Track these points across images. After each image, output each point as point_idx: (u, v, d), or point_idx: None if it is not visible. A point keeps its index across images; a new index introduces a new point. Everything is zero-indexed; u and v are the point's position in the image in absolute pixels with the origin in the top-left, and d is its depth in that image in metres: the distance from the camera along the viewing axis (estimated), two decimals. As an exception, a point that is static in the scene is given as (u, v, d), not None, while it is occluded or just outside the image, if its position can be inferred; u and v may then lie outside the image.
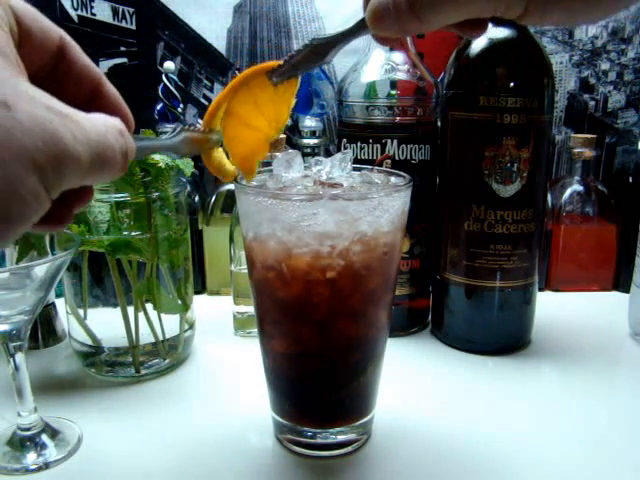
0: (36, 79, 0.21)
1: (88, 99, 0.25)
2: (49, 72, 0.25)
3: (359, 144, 0.59)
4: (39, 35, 0.24)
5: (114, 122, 0.24)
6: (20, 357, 0.42)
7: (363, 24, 0.31)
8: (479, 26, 0.31)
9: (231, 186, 0.40)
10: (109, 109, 0.25)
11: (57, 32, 0.25)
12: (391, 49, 0.59)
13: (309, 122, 0.73)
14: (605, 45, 0.84)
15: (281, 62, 0.35)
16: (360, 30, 0.32)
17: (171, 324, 0.55)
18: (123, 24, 0.84)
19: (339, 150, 0.61)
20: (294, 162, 0.41)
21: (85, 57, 0.26)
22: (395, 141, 0.58)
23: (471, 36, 0.32)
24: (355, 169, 0.43)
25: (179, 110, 0.75)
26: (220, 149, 0.38)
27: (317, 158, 0.44)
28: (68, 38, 0.25)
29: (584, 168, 0.76)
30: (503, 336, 0.60)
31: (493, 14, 0.27)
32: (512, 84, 0.54)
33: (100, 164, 0.23)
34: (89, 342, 0.54)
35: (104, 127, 0.23)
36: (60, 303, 0.61)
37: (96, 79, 0.26)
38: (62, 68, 0.25)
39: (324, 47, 0.34)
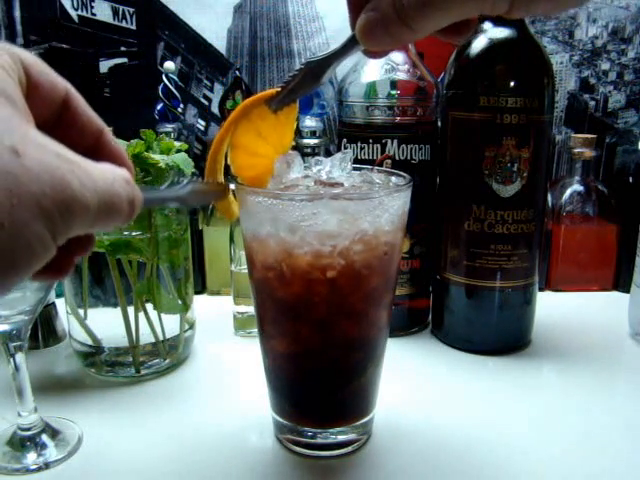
0: (42, 130, 0.22)
1: (91, 150, 0.25)
2: (54, 123, 0.25)
3: (359, 144, 0.59)
4: (46, 87, 0.24)
5: (121, 171, 0.24)
6: (20, 357, 0.42)
7: (354, 41, 0.31)
8: (464, 30, 0.31)
9: (231, 186, 0.40)
10: (112, 160, 0.25)
11: (63, 85, 0.25)
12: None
13: (309, 122, 0.73)
14: (605, 45, 0.84)
15: (278, 89, 0.36)
16: (352, 47, 0.32)
17: (171, 324, 0.55)
18: (123, 24, 0.84)
19: (339, 150, 0.61)
20: (294, 163, 0.41)
21: (89, 109, 0.26)
22: (395, 141, 0.58)
23: (456, 41, 0.32)
24: (355, 169, 0.43)
25: (179, 110, 0.76)
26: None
27: (317, 158, 0.44)
28: (73, 90, 0.26)
29: (584, 168, 0.76)
30: (503, 336, 0.60)
31: (481, 12, 0.27)
32: (512, 84, 0.54)
33: (107, 211, 0.23)
34: (89, 342, 0.55)
35: (111, 175, 0.23)
36: (60, 303, 0.61)
37: (99, 130, 0.27)
38: (66, 119, 0.26)
39: (319, 68, 0.34)
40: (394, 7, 0.27)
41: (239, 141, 0.38)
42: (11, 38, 0.82)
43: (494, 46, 0.55)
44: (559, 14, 0.82)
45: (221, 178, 0.40)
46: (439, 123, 0.60)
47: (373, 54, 0.33)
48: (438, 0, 0.26)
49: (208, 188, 0.35)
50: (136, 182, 0.26)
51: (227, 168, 0.40)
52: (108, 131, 0.27)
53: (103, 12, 0.83)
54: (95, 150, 0.26)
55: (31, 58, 0.23)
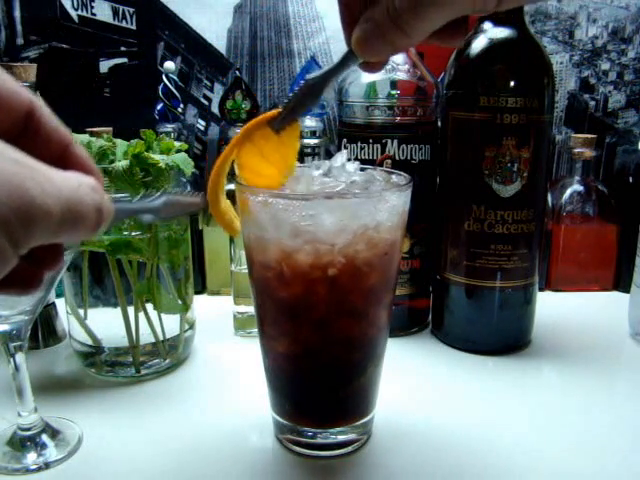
0: (2, 139, 0.21)
1: (58, 161, 0.25)
2: (18, 133, 0.24)
3: (359, 144, 0.59)
4: (6, 97, 0.24)
5: (87, 179, 0.23)
6: (20, 357, 0.42)
7: (351, 55, 0.31)
8: (458, 34, 0.31)
9: (231, 186, 0.40)
10: (79, 170, 0.25)
11: (27, 96, 0.24)
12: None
13: (309, 122, 0.73)
14: (605, 45, 0.84)
15: (279, 109, 0.36)
16: (349, 61, 0.32)
17: (171, 324, 0.55)
18: (123, 24, 0.84)
19: (339, 150, 0.61)
20: (303, 177, 0.42)
21: (54, 119, 0.26)
22: (395, 141, 0.58)
23: (452, 45, 0.32)
24: (361, 169, 0.43)
25: (179, 110, 0.76)
26: (229, 205, 0.40)
27: (316, 162, 0.44)
28: (38, 102, 0.25)
29: (584, 168, 0.76)
30: (503, 336, 0.60)
31: (473, 11, 0.27)
32: (512, 84, 0.54)
33: (72, 220, 0.22)
34: (89, 342, 0.55)
35: (76, 182, 0.23)
36: (60, 303, 0.61)
37: (65, 141, 0.26)
38: (31, 130, 0.25)
39: (317, 86, 0.34)
40: (388, 14, 0.27)
41: (244, 162, 0.39)
42: (11, 38, 0.82)
43: (494, 46, 0.55)
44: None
45: (223, 199, 0.41)
46: (439, 123, 0.60)
47: (370, 68, 0.33)
48: (429, 1, 0.26)
49: (183, 200, 0.35)
50: (133, 183, 0.25)
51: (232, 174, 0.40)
52: (75, 142, 0.27)
53: (103, 12, 0.83)
54: (62, 160, 0.26)
55: None
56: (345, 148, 0.60)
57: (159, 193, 0.32)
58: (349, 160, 0.43)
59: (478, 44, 0.55)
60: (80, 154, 0.26)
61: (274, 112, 0.37)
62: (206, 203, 0.38)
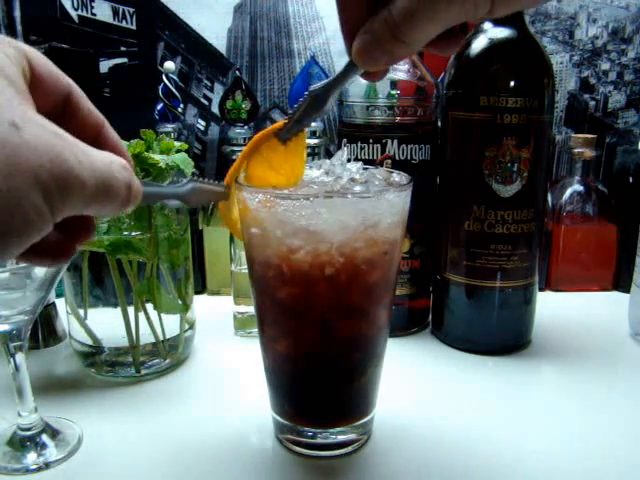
0: None
1: (92, 143, 0.26)
2: (57, 116, 0.26)
3: (359, 144, 0.59)
4: (49, 81, 0.26)
5: (119, 158, 0.25)
6: (20, 357, 0.42)
7: (352, 66, 0.32)
8: (453, 42, 0.32)
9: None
10: (112, 152, 0.26)
11: (66, 80, 0.27)
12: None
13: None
14: (605, 45, 0.84)
15: (285, 120, 0.37)
16: (351, 71, 0.33)
17: (171, 324, 0.55)
18: (123, 24, 0.84)
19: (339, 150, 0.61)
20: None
21: (90, 104, 0.28)
22: (395, 141, 0.58)
23: (447, 52, 0.33)
24: (365, 169, 0.43)
25: (179, 110, 0.76)
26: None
27: (317, 162, 0.44)
28: (75, 86, 0.27)
29: (584, 168, 0.76)
30: (503, 336, 0.60)
31: (466, 16, 0.28)
32: (512, 84, 0.54)
33: (104, 192, 0.24)
34: (89, 342, 0.55)
35: (109, 159, 0.24)
36: (60, 303, 0.61)
37: (100, 124, 0.28)
38: (69, 113, 0.27)
39: (321, 97, 0.35)
40: (386, 25, 0.28)
41: (253, 174, 0.40)
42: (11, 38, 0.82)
43: (494, 46, 0.55)
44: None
45: (235, 209, 0.42)
46: (439, 123, 0.60)
47: (371, 77, 0.34)
48: (424, 10, 0.27)
49: (209, 188, 0.36)
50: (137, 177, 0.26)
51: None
52: (109, 126, 0.29)
53: (103, 12, 0.83)
54: (96, 142, 0.27)
55: (35, 53, 0.25)
56: (345, 147, 0.60)
57: (186, 180, 0.33)
58: (349, 160, 0.43)
59: (478, 44, 0.55)
60: (113, 137, 0.28)
61: (280, 124, 0.38)
62: (228, 193, 0.39)
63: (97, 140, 0.28)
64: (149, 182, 0.29)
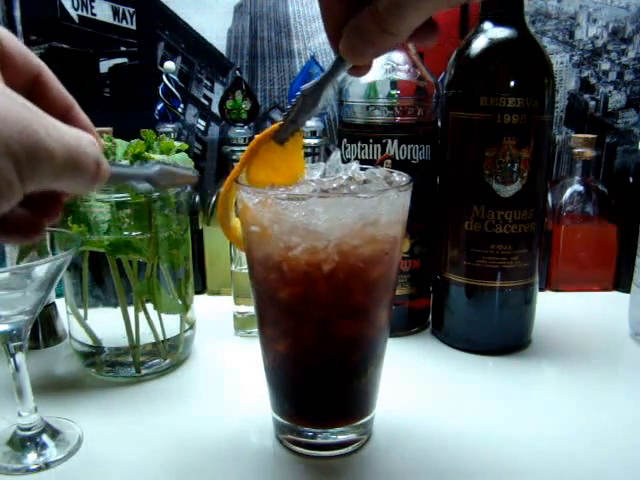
0: None
1: (61, 121, 0.27)
2: (27, 94, 0.26)
3: (359, 144, 0.59)
4: (18, 58, 0.26)
5: (88, 135, 0.26)
6: (20, 357, 0.42)
7: (341, 61, 0.33)
8: (431, 32, 0.33)
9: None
10: None
11: (36, 60, 0.27)
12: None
13: (310, 122, 0.73)
14: (605, 45, 0.84)
15: (280, 122, 0.38)
16: (339, 68, 0.34)
17: (171, 324, 0.55)
18: (123, 24, 0.84)
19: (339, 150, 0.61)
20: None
21: (60, 85, 0.28)
22: (395, 141, 0.58)
23: (427, 43, 0.34)
24: (362, 169, 0.43)
25: (179, 110, 0.75)
26: (239, 222, 0.42)
27: (311, 165, 0.45)
28: (45, 66, 0.28)
29: (584, 168, 0.76)
30: (503, 336, 0.60)
31: (447, 5, 0.30)
32: (512, 84, 0.54)
33: (73, 166, 0.24)
34: (89, 342, 0.55)
35: (77, 134, 0.25)
36: (60, 303, 0.61)
37: (69, 105, 0.28)
38: (37, 92, 0.27)
39: (314, 95, 0.36)
40: (373, 18, 0.30)
41: (254, 178, 0.40)
42: (11, 38, 0.82)
43: (494, 46, 0.55)
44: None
45: (233, 216, 0.43)
46: (439, 123, 0.60)
47: (358, 71, 0.35)
48: (409, 2, 0.29)
49: (177, 170, 0.35)
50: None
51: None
52: (78, 107, 0.29)
53: (103, 12, 0.83)
54: (65, 122, 0.27)
55: (5, 31, 0.26)
56: (345, 148, 0.60)
57: (153, 162, 0.33)
58: (349, 160, 0.43)
59: (478, 44, 0.55)
60: (82, 117, 0.29)
61: (275, 126, 0.38)
62: (198, 178, 0.39)
63: (66, 120, 0.28)
64: (117, 163, 0.29)
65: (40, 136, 0.22)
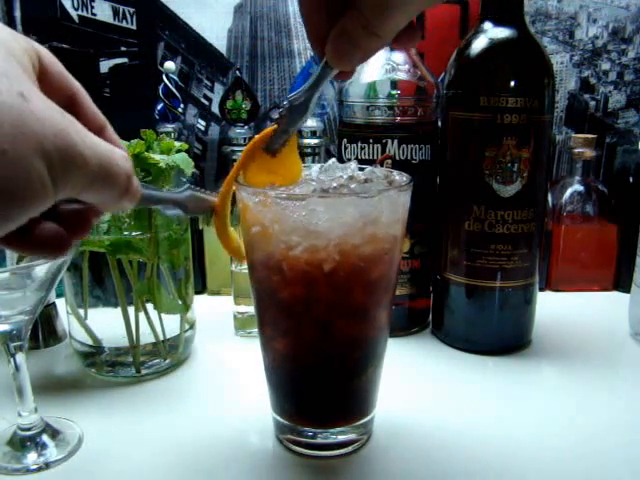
0: None
1: None
2: None
3: (359, 144, 0.59)
4: (56, 77, 0.27)
5: (121, 151, 0.26)
6: (20, 357, 0.43)
7: (327, 67, 0.33)
8: (413, 34, 0.34)
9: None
10: None
11: (73, 81, 0.28)
12: (391, 49, 0.59)
13: (310, 122, 0.73)
14: (606, 45, 0.84)
15: (272, 128, 0.38)
16: (326, 74, 0.34)
17: (171, 324, 0.55)
18: (123, 24, 0.84)
19: (339, 150, 0.61)
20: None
21: (94, 106, 0.29)
22: (395, 141, 0.58)
23: (410, 45, 0.34)
24: (360, 169, 0.43)
25: (179, 110, 0.75)
26: (234, 231, 0.42)
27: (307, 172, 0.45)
28: (81, 88, 0.29)
29: (584, 168, 0.76)
30: (503, 336, 0.60)
31: (430, 3, 0.31)
32: (512, 84, 0.54)
33: (105, 175, 0.24)
34: (89, 342, 0.55)
35: (111, 147, 0.25)
36: (61, 303, 0.61)
37: (101, 126, 0.29)
38: (73, 112, 0.27)
39: (302, 103, 0.36)
40: (358, 21, 0.30)
41: (252, 182, 0.40)
42: (11, 38, 0.82)
43: (494, 46, 0.55)
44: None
45: (228, 222, 0.42)
46: (439, 123, 0.60)
47: (344, 76, 0.35)
48: (394, 4, 0.29)
49: (205, 197, 0.36)
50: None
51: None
52: (110, 127, 0.29)
53: (103, 12, 0.83)
54: None
55: (46, 51, 0.27)
56: (345, 148, 0.60)
57: (183, 188, 0.33)
58: (349, 160, 0.43)
59: (478, 44, 0.55)
60: (114, 139, 0.29)
61: (269, 130, 0.38)
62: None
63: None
64: (149, 185, 0.29)
65: (75, 141, 0.22)
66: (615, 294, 0.77)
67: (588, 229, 0.76)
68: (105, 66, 0.85)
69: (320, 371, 0.43)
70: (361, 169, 0.43)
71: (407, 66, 0.58)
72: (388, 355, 0.45)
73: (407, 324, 0.65)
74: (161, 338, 0.55)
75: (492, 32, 0.55)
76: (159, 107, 0.74)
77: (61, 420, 0.47)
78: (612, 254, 0.77)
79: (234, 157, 0.72)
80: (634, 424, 0.48)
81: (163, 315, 0.54)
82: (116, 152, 0.25)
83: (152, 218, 0.51)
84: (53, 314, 0.63)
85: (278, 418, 0.45)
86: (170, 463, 0.43)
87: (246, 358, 0.55)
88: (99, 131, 0.28)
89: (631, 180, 0.79)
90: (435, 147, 0.60)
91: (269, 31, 0.86)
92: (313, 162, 0.72)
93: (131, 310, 0.52)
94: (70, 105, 0.27)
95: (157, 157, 0.49)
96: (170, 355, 0.56)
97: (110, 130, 0.29)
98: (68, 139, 0.22)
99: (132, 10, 0.84)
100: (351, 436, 0.44)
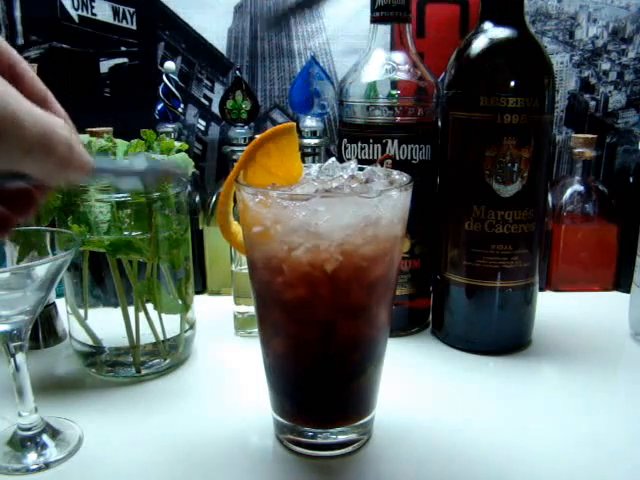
0: None
1: None
2: None
3: (360, 144, 0.59)
4: None
5: (62, 120, 0.25)
6: (21, 357, 0.42)
7: None
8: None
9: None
10: None
11: (12, 51, 0.27)
12: (392, 49, 0.59)
13: (310, 122, 0.73)
14: (606, 45, 0.84)
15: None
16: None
17: (172, 324, 0.55)
18: (124, 24, 0.84)
19: (340, 150, 0.61)
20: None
21: (33, 74, 0.28)
22: (396, 141, 0.58)
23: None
24: (360, 169, 0.43)
25: (180, 110, 0.75)
26: (238, 226, 0.41)
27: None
28: (19, 57, 0.27)
29: (585, 168, 0.76)
30: (503, 336, 0.60)
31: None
32: (513, 84, 0.54)
33: (44, 145, 0.23)
34: (90, 342, 0.55)
35: (50, 115, 0.24)
36: (61, 303, 0.61)
37: (43, 94, 0.28)
38: (12, 83, 0.26)
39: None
40: None
41: (252, 182, 0.40)
42: (11, 38, 0.82)
43: (494, 46, 0.55)
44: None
45: (232, 222, 0.43)
46: (439, 123, 0.60)
47: None
48: None
49: (164, 164, 0.35)
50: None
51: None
52: (52, 96, 0.28)
53: (103, 12, 0.83)
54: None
55: None
56: (345, 148, 0.60)
57: (142, 157, 0.32)
58: (349, 160, 0.43)
59: (478, 44, 0.55)
60: (57, 107, 0.28)
61: (278, 128, 0.38)
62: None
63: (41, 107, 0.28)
64: (103, 157, 0.28)
65: (12, 103, 0.22)
66: (615, 294, 0.77)
67: (588, 229, 0.76)
68: (105, 66, 0.85)
69: (320, 371, 0.43)
70: (361, 169, 0.43)
71: (407, 66, 0.58)
72: (388, 355, 0.45)
73: (407, 324, 0.65)
74: (161, 338, 0.55)
75: (492, 32, 0.55)
76: (159, 107, 0.74)
77: (61, 420, 0.47)
78: (612, 254, 0.77)
79: (234, 157, 0.72)
80: (634, 424, 0.48)
81: (163, 315, 0.54)
82: (56, 120, 0.24)
83: (152, 218, 0.51)
84: (53, 314, 0.63)
85: (278, 418, 0.45)
86: (170, 463, 0.43)
87: (246, 358, 0.55)
88: (41, 102, 0.27)
89: (631, 180, 0.79)
90: (435, 147, 0.60)
91: (269, 31, 0.86)
92: (313, 162, 0.72)
93: (131, 310, 0.52)
94: (10, 76, 0.26)
95: (157, 157, 0.49)
96: (170, 355, 0.56)
97: (52, 99, 0.28)
98: (3, 102, 0.21)
99: (132, 10, 0.84)
100: (351, 436, 0.44)
